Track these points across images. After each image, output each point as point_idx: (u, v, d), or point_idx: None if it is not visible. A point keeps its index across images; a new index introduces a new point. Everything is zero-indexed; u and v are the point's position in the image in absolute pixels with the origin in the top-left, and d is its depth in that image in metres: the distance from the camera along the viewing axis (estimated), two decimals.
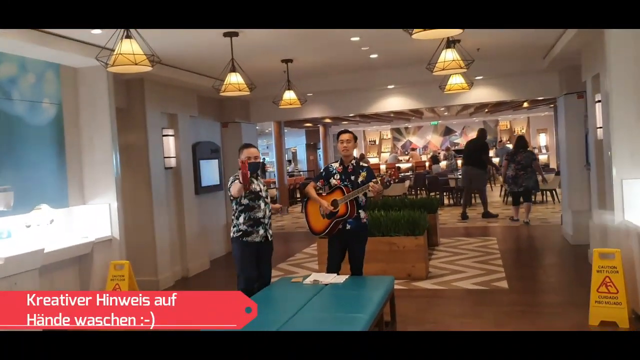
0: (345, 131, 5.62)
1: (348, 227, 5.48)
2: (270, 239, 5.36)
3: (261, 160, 5.40)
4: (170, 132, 8.44)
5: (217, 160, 10.02)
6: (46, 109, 6.34)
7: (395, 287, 5.56)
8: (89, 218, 6.58)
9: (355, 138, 5.66)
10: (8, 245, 5.45)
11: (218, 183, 9.97)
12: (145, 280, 7.43)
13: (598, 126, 6.99)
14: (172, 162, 8.46)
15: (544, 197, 15.49)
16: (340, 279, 5.24)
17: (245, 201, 5.20)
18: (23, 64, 6.01)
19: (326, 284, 5.10)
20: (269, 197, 5.42)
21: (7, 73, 5.83)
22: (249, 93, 6.58)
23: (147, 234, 7.74)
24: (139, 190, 7.75)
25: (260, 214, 5.25)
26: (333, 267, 5.57)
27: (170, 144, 8.41)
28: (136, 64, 4.71)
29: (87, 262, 6.37)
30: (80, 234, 6.40)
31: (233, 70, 6.40)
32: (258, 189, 5.27)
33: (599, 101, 6.82)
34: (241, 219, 5.22)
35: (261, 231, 5.26)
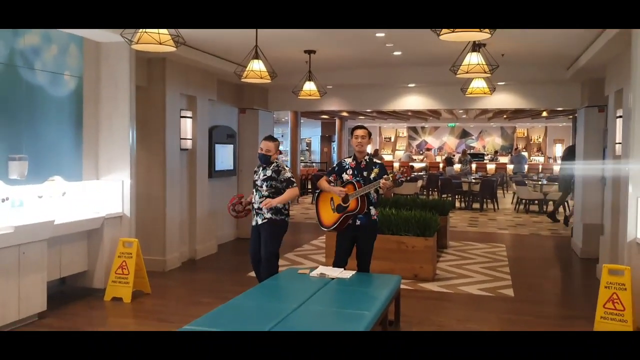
0: (360, 127, 5.60)
1: (358, 222, 5.47)
2: (260, 220, 5.68)
3: (275, 154, 5.71)
4: (189, 114, 8.45)
5: (232, 146, 10.03)
6: (67, 82, 6.37)
7: (402, 286, 5.54)
8: (102, 193, 6.61)
9: (370, 134, 5.64)
10: (19, 214, 5.49)
11: (232, 168, 9.99)
12: (152, 259, 7.47)
13: (617, 141, 6.91)
14: (188, 144, 8.47)
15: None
16: (347, 274, 5.23)
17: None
18: (47, 35, 6.04)
19: (332, 278, 5.09)
20: (265, 184, 5.65)
21: (30, 43, 5.85)
22: (269, 81, 6.56)
23: (158, 213, 7.77)
24: (153, 169, 7.78)
25: (253, 200, 5.79)
26: (340, 262, 5.56)
27: (187, 126, 8.42)
28: (161, 44, 4.70)
29: (96, 237, 6.40)
30: (91, 209, 6.43)
31: (256, 57, 6.38)
32: (255, 177, 5.79)
33: (620, 116, 6.74)
34: None
35: (255, 216, 5.77)
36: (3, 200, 5.33)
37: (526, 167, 22.53)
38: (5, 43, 5.57)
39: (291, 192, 5.66)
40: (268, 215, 5.64)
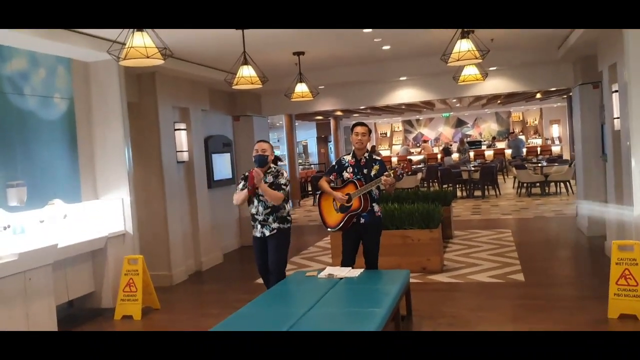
0: (361, 124, 5.55)
1: (362, 221, 5.43)
2: (267, 232, 5.37)
3: (271, 155, 5.46)
4: (182, 126, 8.41)
5: (229, 154, 10.00)
6: (58, 104, 6.33)
7: (411, 280, 5.51)
8: (102, 213, 6.57)
9: (370, 131, 5.60)
10: (22, 240, 5.44)
11: (230, 177, 9.95)
12: (159, 274, 7.44)
13: (615, 116, 6.87)
14: (185, 156, 8.44)
15: (558, 188, 15.34)
16: (355, 272, 5.19)
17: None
18: (34, 59, 6.00)
19: (341, 278, 5.06)
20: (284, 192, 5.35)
21: (18, 68, 5.82)
22: (261, 86, 6.52)
23: (161, 228, 7.74)
24: (152, 184, 7.74)
25: (253, 210, 5.44)
26: (347, 261, 5.53)
27: (182, 138, 8.38)
28: (148, 57, 4.65)
29: (101, 257, 6.36)
30: (93, 229, 6.39)
31: (245, 63, 6.34)
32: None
33: (616, 91, 6.70)
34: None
35: (258, 227, 5.43)
36: (5, 228, 5.28)
37: (525, 150, 22.50)
38: None
39: (278, 195, 5.28)
40: (275, 226, 5.35)
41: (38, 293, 5.24)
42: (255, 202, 5.41)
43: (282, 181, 5.40)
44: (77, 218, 6.31)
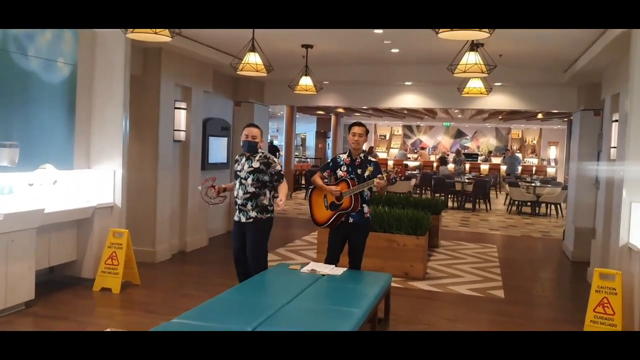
0: (358, 124, 5.54)
1: (351, 220, 5.44)
2: (244, 219, 5.29)
3: (260, 142, 5.38)
4: (183, 105, 8.39)
5: (226, 139, 9.98)
6: (60, 68, 6.30)
7: (392, 285, 5.52)
8: (93, 183, 6.55)
9: (367, 132, 5.60)
10: (9, 201, 5.43)
11: (225, 161, 9.93)
12: (142, 250, 7.43)
13: (612, 145, 6.90)
14: (182, 136, 8.41)
15: (549, 210, 15.41)
16: (338, 271, 5.21)
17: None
18: None
19: (323, 275, 5.07)
20: (250, 177, 5.25)
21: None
22: (265, 74, 6.51)
23: (149, 204, 7.72)
24: (146, 160, 7.72)
25: (235, 194, 5.37)
26: (332, 259, 5.54)
27: (181, 117, 8.36)
28: (156, 33, 4.65)
29: (86, 227, 6.35)
30: (82, 198, 6.38)
31: (252, 50, 6.33)
32: (239, 168, 5.37)
33: (616, 120, 6.74)
34: None
35: (237, 212, 5.36)
36: None
37: (520, 168, 22.57)
38: None
39: (286, 188, 5.37)
40: (253, 214, 5.25)
41: (19, 255, 5.23)
42: (237, 185, 5.36)
43: (279, 168, 5.38)
44: (66, 185, 6.29)
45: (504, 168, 22.55)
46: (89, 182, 6.54)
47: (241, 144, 5.34)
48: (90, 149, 6.69)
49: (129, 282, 6.40)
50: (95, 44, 6.64)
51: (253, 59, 6.34)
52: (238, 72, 6.52)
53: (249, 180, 5.27)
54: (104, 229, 6.39)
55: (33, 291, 5.47)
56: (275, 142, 22.15)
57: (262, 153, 5.36)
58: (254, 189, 5.27)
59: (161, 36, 4.76)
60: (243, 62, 6.38)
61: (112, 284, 6.16)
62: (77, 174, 6.49)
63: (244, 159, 5.37)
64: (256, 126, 5.42)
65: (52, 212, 5.67)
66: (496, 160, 25.01)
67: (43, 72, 6.05)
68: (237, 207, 5.37)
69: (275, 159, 5.41)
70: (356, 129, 5.46)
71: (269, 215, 5.36)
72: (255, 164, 5.28)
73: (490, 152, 25.67)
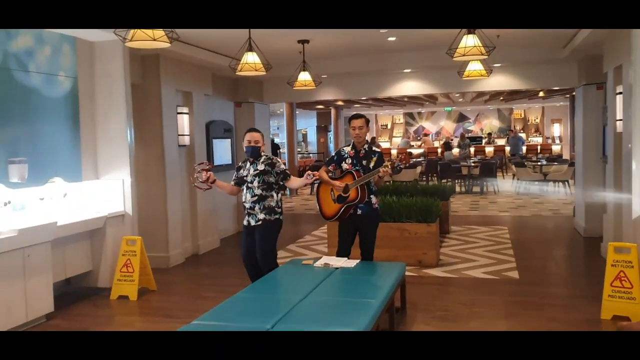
0: (357, 116, 5.51)
1: (359, 212, 5.45)
2: (253, 222, 5.31)
3: (262, 145, 5.40)
4: (185, 110, 8.42)
5: (229, 140, 10.01)
6: (62, 82, 6.33)
7: (406, 273, 5.53)
8: (102, 193, 6.58)
9: (368, 122, 5.59)
10: (22, 216, 5.47)
11: (230, 162, 9.96)
12: (156, 256, 7.47)
13: (618, 118, 6.88)
14: (186, 140, 8.44)
15: (557, 187, 15.37)
16: (351, 263, 5.22)
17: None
18: (40, 37, 5.99)
19: (337, 268, 5.09)
20: (256, 179, 5.26)
21: (23, 45, 5.81)
22: (265, 73, 6.52)
23: (159, 210, 7.76)
24: (153, 166, 7.75)
25: (242, 199, 5.41)
26: (343, 251, 5.55)
27: (184, 122, 8.39)
28: (154, 40, 4.66)
29: (99, 237, 6.39)
30: (93, 209, 6.41)
31: (250, 49, 6.34)
32: (244, 174, 5.37)
33: (620, 93, 6.71)
34: None
35: (246, 216, 5.39)
36: (5, 204, 5.30)
37: (524, 148, 22.51)
38: None
39: (295, 180, 5.46)
40: (262, 216, 5.25)
41: (36, 269, 5.28)
42: (244, 190, 5.38)
43: (283, 167, 5.40)
44: (77, 197, 6.32)
45: (508, 149, 22.51)
46: (98, 193, 6.58)
47: (244, 150, 5.35)
48: (98, 160, 6.72)
49: (145, 289, 6.44)
50: (94, 56, 6.66)
51: (251, 58, 6.35)
52: (237, 73, 6.53)
53: (255, 183, 5.28)
54: (117, 238, 6.43)
55: (52, 304, 5.52)
56: (277, 140, 22.18)
57: (265, 155, 5.40)
58: (260, 191, 5.28)
59: (159, 42, 4.77)
60: (241, 62, 6.39)
61: (128, 291, 6.20)
62: (86, 185, 6.53)
63: (248, 164, 5.39)
64: (257, 130, 5.44)
65: (65, 225, 5.72)
66: (500, 141, 24.95)
67: (45, 87, 6.08)
68: (245, 211, 5.39)
69: (279, 159, 5.45)
70: (356, 122, 5.46)
71: (277, 216, 5.34)
72: (260, 167, 5.29)
73: (489, 134, 25.55)
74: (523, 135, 24.68)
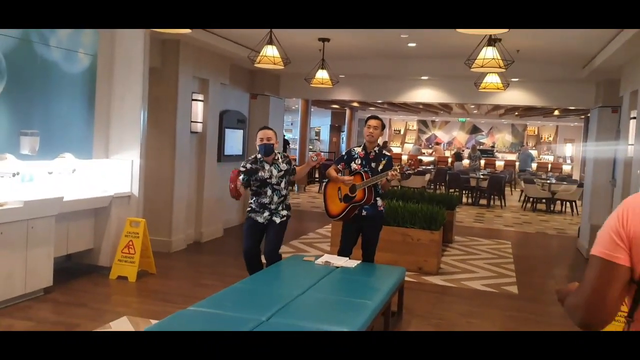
0: (375, 117, 5.59)
1: (364, 213, 5.47)
2: (277, 219, 5.32)
3: (275, 143, 5.36)
4: (200, 97, 8.45)
5: (242, 131, 10.04)
6: (81, 59, 6.37)
7: (405, 279, 5.54)
8: (111, 172, 6.62)
9: (383, 126, 5.63)
10: (29, 189, 5.52)
11: (241, 153, 9.99)
12: (158, 239, 7.51)
13: (630, 143, 6.86)
14: (199, 127, 8.48)
15: (564, 207, 15.31)
16: (352, 263, 5.24)
17: (254, 188, 5.32)
18: None
19: (337, 267, 5.10)
20: (283, 180, 5.31)
21: None
22: (283, 67, 6.54)
23: (166, 195, 7.80)
24: (163, 151, 7.79)
25: (266, 200, 5.31)
26: (345, 251, 5.57)
27: (198, 109, 8.42)
28: None
29: (103, 216, 6.43)
30: (100, 187, 6.46)
31: (270, 42, 6.36)
32: (267, 176, 5.26)
33: (634, 118, 6.69)
34: (253, 199, 5.42)
35: (266, 214, 5.33)
36: (14, 175, 5.35)
37: (534, 165, 22.41)
38: None
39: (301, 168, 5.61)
40: (284, 213, 5.34)
41: (38, 242, 5.32)
42: (270, 192, 5.28)
43: (293, 163, 5.49)
44: (85, 174, 6.37)
45: (517, 165, 22.44)
46: (107, 172, 6.61)
47: (257, 148, 5.30)
48: (109, 139, 6.76)
49: (145, 271, 6.48)
50: (115, 36, 6.70)
51: (270, 51, 6.37)
52: (255, 65, 6.55)
53: (282, 185, 5.32)
54: (121, 218, 6.47)
55: (51, 278, 5.56)
56: (289, 136, 22.17)
57: (280, 153, 5.42)
58: (286, 191, 5.38)
59: (180, 28, 4.80)
60: (261, 54, 6.42)
61: (128, 272, 6.24)
62: (95, 163, 6.57)
63: (267, 166, 5.27)
64: (270, 128, 5.44)
65: (71, 201, 5.76)
66: (511, 156, 24.88)
67: (64, 62, 6.12)
68: (264, 210, 5.32)
69: (288, 155, 5.52)
70: (372, 122, 5.50)
71: (288, 214, 5.47)
72: (284, 166, 5.32)
73: (491, 146, 25.47)
74: (534, 152, 24.57)
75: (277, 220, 5.33)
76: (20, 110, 5.61)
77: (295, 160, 17.53)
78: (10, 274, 5.05)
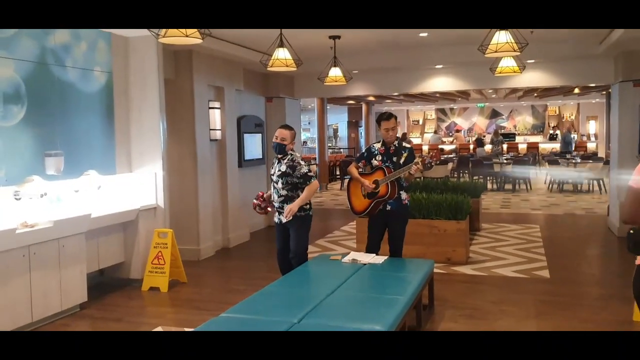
0: (387, 117, 5.46)
1: (389, 207, 5.46)
2: (283, 219, 5.30)
3: (290, 143, 5.34)
4: (217, 104, 8.51)
5: (260, 135, 10.09)
6: (97, 77, 6.46)
7: (435, 270, 5.52)
8: (135, 186, 6.71)
9: (396, 118, 5.56)
10: (57, 208, 5.61)
11: (261, 157, 10.05)
12: (187, 249, 7.59)
13: None
14: (218, 135, 8.54)
15: (591, 186, 15.09)
16: (379, 259, 5.23)
17: None
18: (76, 32, 6.13)
19: (365, 264, 5.11)
20: (280, 180, 5.28)
21: (61, 41, 5.95)
22: (295, 69, 6.55)
23: (191, 204, 7.88)
24: (185, 160, 7.87)
25: (272, 197, 5.43)
26: (372, 247, 5.57)
27: (216, 117, 8.49)
28: (187, 36, 4.72)
29: (131, 229, 6.52)
30: (126, 201, 6.55)
31: (281, 45, 6.38)
32: (272, 172, 5.40)
33: None
34: None
35: (277, 214, 5.43)
36: (42, 196, 5.45)
37: (574, 146, 22.07)
38: (37, 42, 5.67)
39: (310, 189, 5.23)
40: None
41: (71, 260, 5.42)
42: (272, 188, 5.42)
43: (304, 170, 5.23)
44: (111, 189, 6.46)
45: (543, 146, 22.12)
46: (131, 186, 6.71)
47: (272, 145, 5.38)
48: (131, 153, 6.85)
49: (176, 281, 6.55)
50: (128, 51, 6.79)
51: (282, 54, 6.38)
52: (268, 69, 6.57)
53: (280, 184, 5.30)
54: (149, 230, 6.55)
55: (86, 294, 5.66)
56: (307, 135, 22.16)
57: (291, 155, 5.30)
58: (285, 192, 5.29)
59: (192, 38, 4.83)
60: (273, 58, 6.43)
61: (160, 283, 6.32)
62: (119, 178, 6.67)
63: (276, 162, 5.38)
64: (287, 128, 5.38)
65: (99, 217, 5.85)
66: (534, 139, 24.56)
67: (81, 81, 6.22)
68: (276, 209, 5.44)
69: (302, 161, 5.29)
70: (387, 124, 5.45)
71: (306, 213, 5.36)
72: (283, 167, 5.26)
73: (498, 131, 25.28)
74: (574, 135, 24.01)
75: (284, 220, 5.29)
76: (43, 132, 5.71)
77: (314, 159, 17.55)
78: (45, 292, 5.15)
